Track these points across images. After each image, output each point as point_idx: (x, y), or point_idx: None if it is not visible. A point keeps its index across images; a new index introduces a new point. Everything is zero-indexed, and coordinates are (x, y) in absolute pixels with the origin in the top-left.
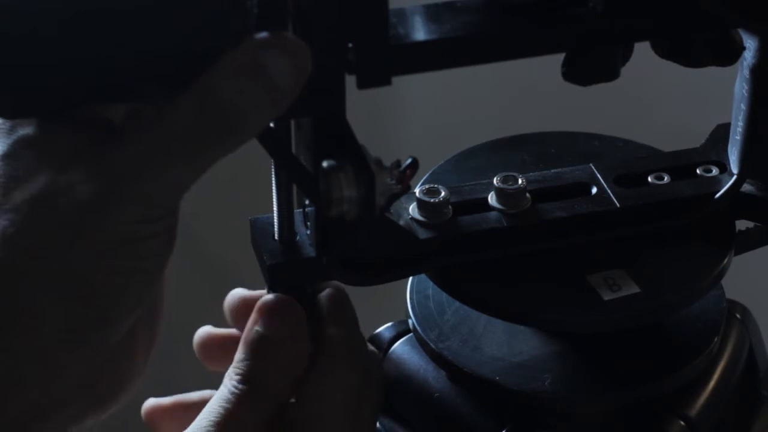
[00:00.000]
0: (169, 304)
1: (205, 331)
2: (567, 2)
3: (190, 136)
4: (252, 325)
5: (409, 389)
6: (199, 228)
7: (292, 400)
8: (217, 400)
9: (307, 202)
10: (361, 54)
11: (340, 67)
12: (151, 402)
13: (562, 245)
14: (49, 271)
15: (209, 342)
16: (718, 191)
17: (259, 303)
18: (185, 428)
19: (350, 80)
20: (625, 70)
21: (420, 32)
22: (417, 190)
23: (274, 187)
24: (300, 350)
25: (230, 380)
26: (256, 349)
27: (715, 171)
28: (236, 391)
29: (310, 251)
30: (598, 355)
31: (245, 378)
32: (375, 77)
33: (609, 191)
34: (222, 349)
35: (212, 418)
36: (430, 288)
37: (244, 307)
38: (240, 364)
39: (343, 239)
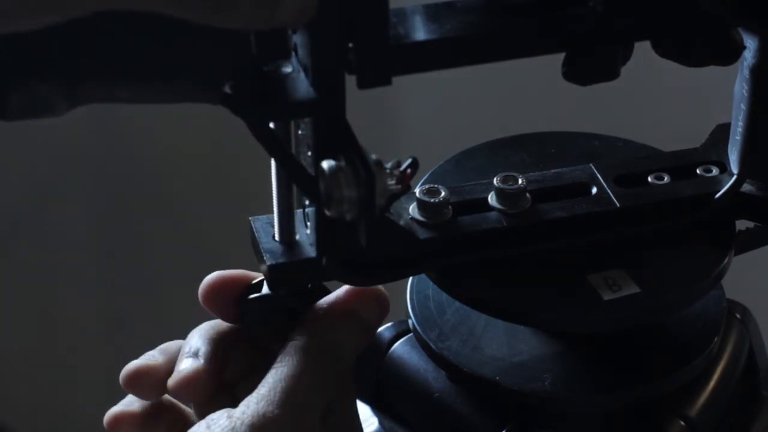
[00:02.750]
0: (168, 303)
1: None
2: (567, 2)
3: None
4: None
5: (409, 389)
6: (199, 228)
7: None
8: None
9: (307, 202)
10: (361, 54)
11: (340, 67)
12: (114, 411)
13: (562, 245)
14: None
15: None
16: (718, 191)
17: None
18: None
19: (350, 80)
20: (625, 70)
21: (420, 32)
22: (417, 190)
23: (274, 187)
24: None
25: (305, 352)
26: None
27: (715, 171)
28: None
29: (310, 251)
30: (598, 355)
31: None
32: (375, 77)
33: (609, 191)
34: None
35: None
36: (430, 288)
37: (222, 285)
38: (320, 333)
39: (343, 239)
